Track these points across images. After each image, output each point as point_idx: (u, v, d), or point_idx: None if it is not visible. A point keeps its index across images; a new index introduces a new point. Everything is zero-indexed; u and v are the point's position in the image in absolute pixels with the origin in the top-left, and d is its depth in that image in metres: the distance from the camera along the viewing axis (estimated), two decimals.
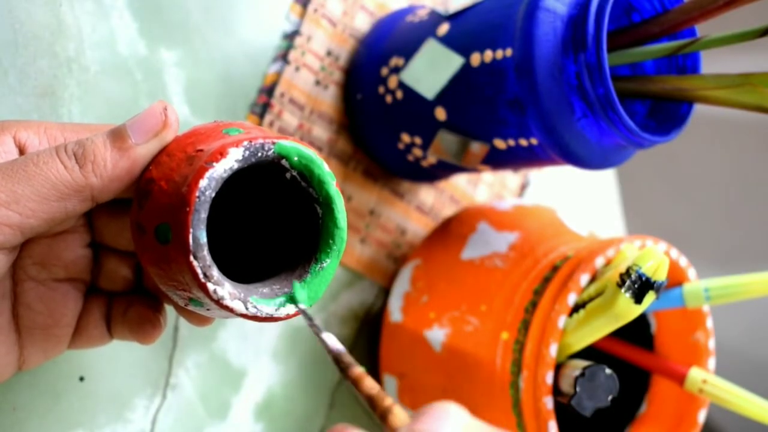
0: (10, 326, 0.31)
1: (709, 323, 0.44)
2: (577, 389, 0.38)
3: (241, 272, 0.31)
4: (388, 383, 0.46)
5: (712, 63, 0.45)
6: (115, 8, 0.39)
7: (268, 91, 0.44)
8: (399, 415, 0.24)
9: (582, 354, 0.44)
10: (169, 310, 0.36)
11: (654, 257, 0.35)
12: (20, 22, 0.36)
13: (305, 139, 0.46)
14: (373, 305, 0.50)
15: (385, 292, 0.50)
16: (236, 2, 0.43)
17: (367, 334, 0.49)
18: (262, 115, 0.44)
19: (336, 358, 0.27)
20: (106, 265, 0.34)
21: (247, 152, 0.28)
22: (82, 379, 0.38)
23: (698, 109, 0.41)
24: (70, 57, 0.38)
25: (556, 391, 0.39)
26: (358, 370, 0.26)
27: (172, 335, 0.41)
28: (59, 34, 0.37)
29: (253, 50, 0.44)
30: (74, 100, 0.38)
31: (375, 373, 0.49)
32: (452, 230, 0.47)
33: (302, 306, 0.29)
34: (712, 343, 0.44)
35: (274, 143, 0.28)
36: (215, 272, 0.27)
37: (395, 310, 0.46)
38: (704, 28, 0.40)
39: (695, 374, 0.42)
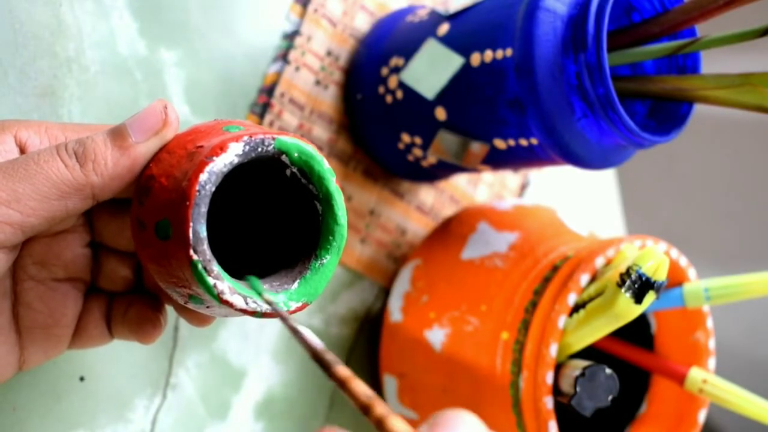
0: (10, 326, 0.31)
1: (709, 323, 0.44)
2: (578, 389, 0.38)
3: (241, 269, 0.31)
4: (388, 383, 0.46)
5: (712, 63, 0.45)
6: (115, 8, 0.39)
7: (268, 91, 0.44)
8: (397, 423, 0.22)
9: (582, 354, 0.44)
10: (170, 310, 0.36)
11: (654, 257, 0.35)
12: (20, 22, 0.36)
13: (305, 139, 0.46)
14: (373, 305, 0.50)
15: (386, 292, 0.50)
16: (236, 2, 0.43)
17: (368, 334, 0.49)
18: (262, 115, 0.44)
19: (317, 356, 0.24)
20: (106, 265, 0.34)
21: (247, 147, 0.28)
22: (82, 379, 0.38)
23: (698, 109, 0.41)
24: (70, 57, 0.38)
25: (556, 391, 0.39)
26: (345, 369, 0.24)
27: (172, 335, 0.41)
28: (59, 34, 0.37)
29: (253, 50, 0.44)
30: (74, 100, 0.38)
31: (375, 373, 0.49)
32: (452, 230, 0.47)
33: (268, 297, 0.28)
34: (712, 343, 0.44)
35: (274, 139, 0.28)
36: (215, 267, 0.27)
37: (395, 310, 0.46)
38: (704, 28, 0.40)
39: (695, 374, 0.42)
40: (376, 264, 0.49)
